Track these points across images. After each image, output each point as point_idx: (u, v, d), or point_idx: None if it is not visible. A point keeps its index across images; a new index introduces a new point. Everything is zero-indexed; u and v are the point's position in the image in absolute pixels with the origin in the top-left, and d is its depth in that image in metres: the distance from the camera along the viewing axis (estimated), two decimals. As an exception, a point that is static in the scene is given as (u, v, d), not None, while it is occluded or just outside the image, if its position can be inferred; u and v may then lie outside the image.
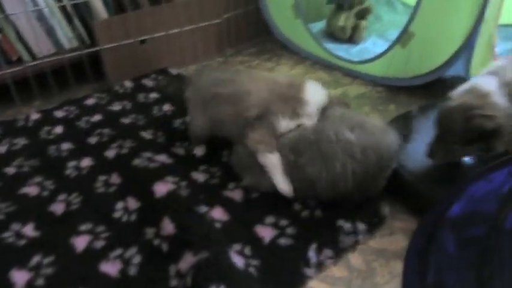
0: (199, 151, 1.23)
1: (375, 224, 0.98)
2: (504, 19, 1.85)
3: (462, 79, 1.38)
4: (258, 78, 1.14)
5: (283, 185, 1.02)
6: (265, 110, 1.07)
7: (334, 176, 0.96)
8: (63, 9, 1.55)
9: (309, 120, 1.08)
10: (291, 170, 1.01)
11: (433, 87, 1.51)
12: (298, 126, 1.07)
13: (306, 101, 1.07)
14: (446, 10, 1.31)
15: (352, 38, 1.96)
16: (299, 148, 1.01)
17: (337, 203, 1.01)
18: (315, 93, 1.10)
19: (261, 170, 1.05)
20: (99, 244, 0.95)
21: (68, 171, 1.18)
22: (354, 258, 0.92)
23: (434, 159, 0.97)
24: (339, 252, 0.92)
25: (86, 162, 1.21)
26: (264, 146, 1.04)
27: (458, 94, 0.93)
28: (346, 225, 0.97)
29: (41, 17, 1.51)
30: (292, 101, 1.07)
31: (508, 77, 0.91)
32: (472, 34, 1.24)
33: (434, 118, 0.97)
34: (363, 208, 1.01)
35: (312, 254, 0.91)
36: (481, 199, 0.59)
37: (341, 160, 0.95)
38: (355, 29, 1.95)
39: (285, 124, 1.06)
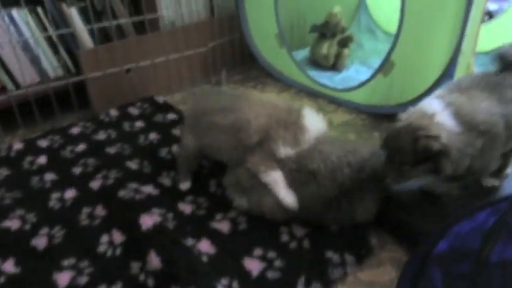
0: (184, 185, 1.22)
1: (363, 255, 0.98)
2: (480, 47, 1.93)
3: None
4: (256, 103, 1.13)
5: (288, 198, 1.02)
6: (265, 135, 1.06)
7: (332, 166, 1.00)
8: (48, 38, 1.55)
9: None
10: (293, 174, 1.03)
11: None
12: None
13: (307, 128, 1.07)
14: (426, 40, 1.36)
15: (335, 66, 2.01)
16: (300, 155, 1.05)
17: (325, 232, 1.02)
18: (314, 120, 1.10)
19: (260, 192, 1.05)
20: (83, 280, 0.92)
21: (51, 203, 1.16)
22: (343, 290, 0.92)
23: (388, 181, 0.97)
24: (328, 285, 0.91)
25: (70, 193, 1.19)
26: (265, 167, 1.05)
27: (405, 116, 0.95)
28: (335, 257, 0.97)
29: (26, 47, 1.51)
30: (292, 128, 1.07)
31: (451, 98, 0.94)
32: (451, 64, 1.28)
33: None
34: (351, 239, 1.01)
35: (300, 287, 0.90)
36: (466, 236, 0.60)
37: (335, 155, 1.01)
38: (338, 56, 2.00)
39: (285, 151, 1.06)
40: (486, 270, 0.63)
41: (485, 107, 0.93)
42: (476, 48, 1.50)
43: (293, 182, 1.03)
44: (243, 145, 1.08)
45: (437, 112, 0.90)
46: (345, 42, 2.08)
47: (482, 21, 1.52)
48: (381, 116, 1.58)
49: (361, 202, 1.01)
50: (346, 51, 2.02)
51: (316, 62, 2.06)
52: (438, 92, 1.02)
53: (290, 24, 2.17)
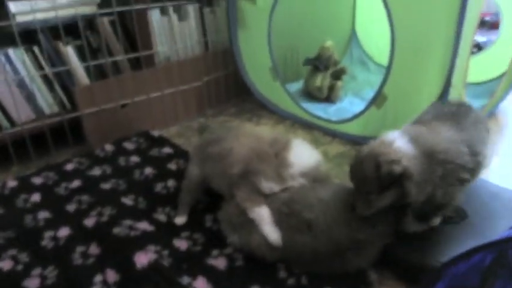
0: (180, 220, 1.21)
1: (362, 291, 0.96)
2: (471, 78, 1.97)
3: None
4: (243, 134, 1.15)
5: (272, 234, 1.01)
6: (246, 167, 1.07)
7: (331, 219, 0.97)
8: (44, 76, 1.57)
9: (294, 183, 1.08)
10: (284, 218, 1.01)
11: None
12: (285, 189, 1.07)
13: (289, 162, 1.07)
14: (417, 73, 1.39)
15: (329, 98, 2.03)
16: (293, 199, 1.03)
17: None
18: (302, 153, 1.10)
19: (249, 230, 1.04)
20: (76, 323, 0.90)
21: (44, 242, 1.14)
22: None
23: (359, 212, 0.96)
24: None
25: (64, 232, 1.17)
26: (251, 202, 1.05)
27: (366, 147, 0.97)
28: (333, 293, 0.95)
29: (21, 85, 1.52)
30: (273, 161, 1.07)
31: (410, 129, 0.99)
32: (442, 96, 1.31)
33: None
34: (350, 275, 0.99)
35: (299, 325, 0.88)
36: (464, 276, 0.60)
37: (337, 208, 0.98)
38: (332, 88, 2.03)
39: (268, 186, 1.06)
40: None
41: (445, 136, 0.96)
42: (467, 80, 1.53)
43: (281, 224, 1.01)
44: (227, 175, 1.09)
45: (396, 139, 0.93)
46: (338, 75, 2.12)
47: (472, 53, 1.55)
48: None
49: (357, 259, 0.98)
50: (339, 83, 2.05)
51: (310, 94, 2.09)
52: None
53: (283, 58, 2.22)
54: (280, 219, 1.01)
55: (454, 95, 1.35)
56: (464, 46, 1.29)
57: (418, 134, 0.95)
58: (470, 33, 1.32)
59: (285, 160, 1.07)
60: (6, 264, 1.05)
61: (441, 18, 1.27)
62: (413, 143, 0.92)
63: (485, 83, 1.95)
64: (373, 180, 0.90)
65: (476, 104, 1.79)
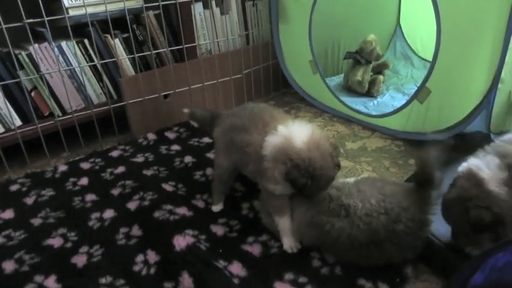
0: (217, 208, 1.24)
1: (397, 284, 0.95)
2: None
3: (482, 134, 1.39)
4: (265, 125, 1.07)
5: (287, 246, 1.07)
6: (262, 161, 1.03)
7: (370, 208, 0.96)
8: (93, 67, 1.65)
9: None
10: (323, 202, 1.01)
11: (455, 141, 1.51)
12: None
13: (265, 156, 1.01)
14: (463, 68, 1.34)
15: (369, 92, 2.00)
16: (333, 185, 1.03)
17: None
18: (270, 147, 1.01)
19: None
20: (119, 298, 0.95)
21: (91, 223, 1.21)
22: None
23: (461, 247, 0.93)
24: (360, 313, 0.90)
25: (109, 214, 1.24)
26: (276, 210, 1.07)
27: (457, 179, 0.89)
28: (367, 285, 0.95)
29: (73, 75, 1.61)
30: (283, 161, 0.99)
31: (501, 149, 0.87)
32: (490, 92, 1.25)
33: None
34: (385, 267, 0.98)
35: (331, 313, 0.89)
36: (503, 269, 0.58)
37: (375, 198, 0.97)
38: (373, 83, 2.00)
39: (279, 189, 1.03)
40: None
41: None
42: None
43: (320, 206, 1.01)
44: (254, 167, 1.08)
45: (487, 178, 0.83)
46: (380, 69, 2.09)
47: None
48: (417, 143, 1.56)
49: (395, 250, 0.96)
50: (380, 77, 2.02)
51: (350, 88, 2.07)
52: (494, 145, 0.93)
53: (324, 51, 2.21)
54: (319, 202, 1.02)
55: (503, 90, 1.29)
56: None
57: None
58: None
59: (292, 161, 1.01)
60: (57, 242, 1.13)
61: (492, 11, 1.21)
62: (508, 182, 0.81)
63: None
64: (463, 224, 0.86)
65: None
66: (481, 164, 0.87)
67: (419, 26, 2.32)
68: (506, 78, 1.25)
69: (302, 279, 0.98)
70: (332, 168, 0.99)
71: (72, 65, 1.59)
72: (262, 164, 1.02)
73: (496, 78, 1.22)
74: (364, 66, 2.02)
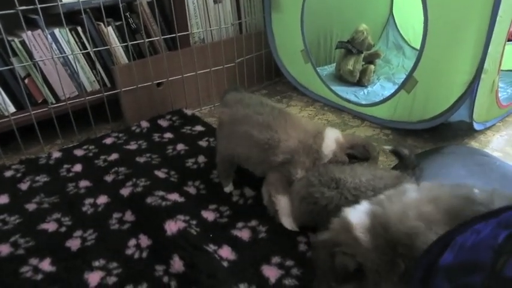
0: (227, 188, 1.29)
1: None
2: (509, 64, 1.91)
3: (466, 124, 1.43)
4: (291, 125, 1.16)
5: (287, 224, 1.12)
6: (289, 158, 1.13)
7: (359, 183, 1.02)
8: (87, 55, 1.66)
9: None
10: (318, 176, 1.08)
11: (440, 130, 1.56)
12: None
13: (324, 155, 1.13)
14: (448, 58, 1.37)
15: (360, 81, 2.03)
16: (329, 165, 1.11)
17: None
18: (331, 146, 1.14)
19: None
20: (112, 280, 0.98)
21: (85, 208, 1.24)
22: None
23: None
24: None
25: (102, 199, 1.27)
26: (276, 189, 1.13)
27: (326, 232, 0.84)
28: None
29: (66, 63, 1.62)
30: (314, 154, 1.13)
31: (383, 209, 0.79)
32: (474, 82, 1.29)
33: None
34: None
35: (316, 295, 0.93)
36: (472, 249, 0.61)
37: (365, 177, 1.03)
38: (364, 72, 2.02)
39: (300, 174, 1.13)
40: (499, 284, 0.63)
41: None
42: (504, 66, 1.49)
43: (314, 179, 1.07)
44: (268, 161, 1.14)
45: (356, 224, 0.77)
46: (371, 59, 2.11)
47: (509, 40, 1.51)
48: (405, 132, 1.60)
49: None
50: (371, 67, 2.04)
51: (341, 78, 2.10)
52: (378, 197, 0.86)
53: (317, 41, 2.23)
54: (314, 175, 1.08)
55: (486, 81, 1.33)
56: (500, 32, 1.26)
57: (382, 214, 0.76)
58: (508, 19, 1.28)
59: (321, 153, 1.13)
60: (51, 226, 1.16)
61: (476, 2, 1.25)
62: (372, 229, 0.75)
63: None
64: (328, 270, 0.79)
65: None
66: (354, 211, 0.82)
67: (411, 16, 2.34)
68: (490, 68, 1.28)
69: (289, 263, 1.02)
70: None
71: (65, 53, 1.61)
72: (307, 157, 1.12)
73: (480, 69, 1.25)
74: (355, 55, 2.05)
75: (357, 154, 1.14)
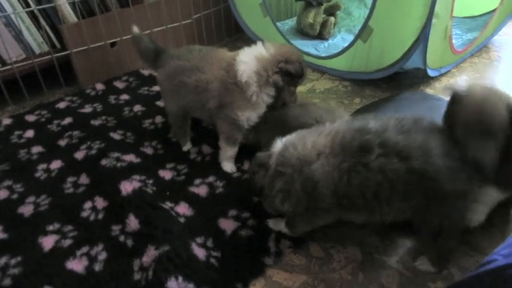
0: (186, 147, 1.28)
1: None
2: (466, 11, 1.92)
3: (422, 71, 1.44)
4: (216, 63, 1.11)
5: (227, 167, 1.19)
6: (219, 102, 1.10)
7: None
8: (31, 14, 1.57)
9: (265, 97, 1.10)
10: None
11: (396, 79, 1.57)
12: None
13: (246, 84, 1.06)
14: (401, 5, 1.35)
15: (321, 34, 2.00)
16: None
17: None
18: (249, 67, 1.06)
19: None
20: (67, 243, 0.97)
21: (38, 174, 1.20)
22: (313, 247, 0.96)
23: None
24: (298, 242, 0.96)
25: (56, 164, 1.23)
26: (227, 141, 1.15)
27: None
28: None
29: (9, 23, 1.52)
30: (234, 88, 1.07)
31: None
32: (425, 27, 1.29)
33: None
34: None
35: (271, 243, 0.95)
36: None
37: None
38: (324, 25, 1.99)
39: (244, 116, 1.10)
40: None
41: None
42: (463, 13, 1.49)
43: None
44: (207, 108, 1.12)
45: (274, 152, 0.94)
46: (332, 11, 2.07)
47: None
48: (363, 83, 1.60)
49: None
50: (332, 19, 2.01)
51: (303, 32, 2.06)
52: None
53: (277, -6, 2.17)
54: None
55: (438, 26, 1.33)
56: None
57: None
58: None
59: (240, 84, 1.06)
60: (2, 194, 1.13)
61: None
62: None
63: (480, 16, 1.90)
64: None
65: (468, 37, 1.76)
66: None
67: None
68: (442, 13, 1.28)
69: (245, 215, 1.03)
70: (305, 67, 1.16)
71: (6, 11, 1.51)
72: (232, 95, 1.07)
73: (430, 14, 1.25)
74: (315, 8, 2.01)
75: (291, 70, 1.07)
